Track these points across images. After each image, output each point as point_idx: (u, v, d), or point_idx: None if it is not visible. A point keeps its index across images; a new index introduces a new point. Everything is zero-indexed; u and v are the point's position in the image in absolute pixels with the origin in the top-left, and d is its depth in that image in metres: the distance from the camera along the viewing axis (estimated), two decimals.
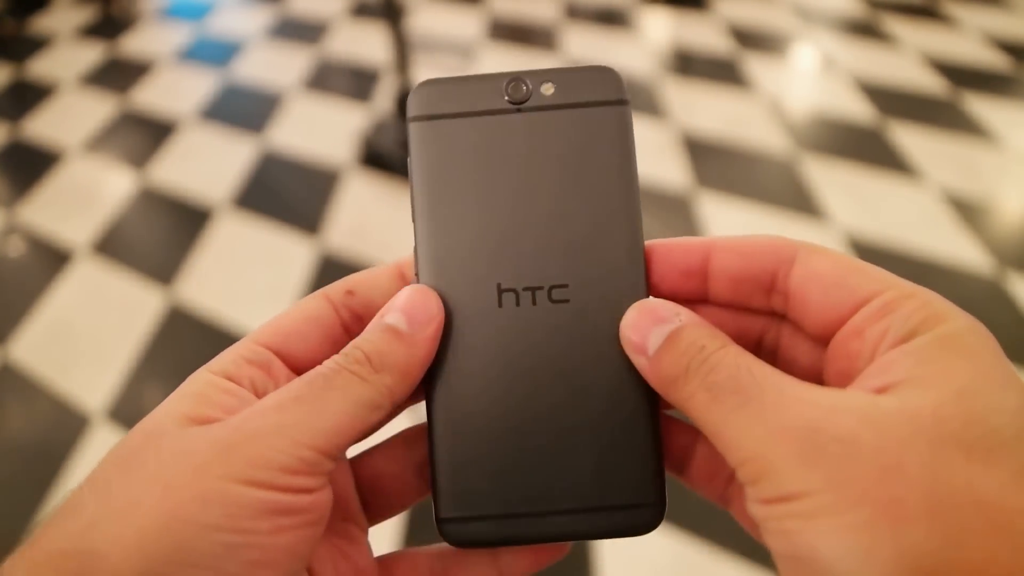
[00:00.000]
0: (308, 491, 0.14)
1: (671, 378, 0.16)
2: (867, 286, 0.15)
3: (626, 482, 0.18)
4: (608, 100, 0.19)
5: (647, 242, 0.19)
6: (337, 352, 0.17)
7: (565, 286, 0.18)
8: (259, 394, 0.16)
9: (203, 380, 0.16)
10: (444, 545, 0.19)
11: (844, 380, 0.15)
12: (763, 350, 0.19)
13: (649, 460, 0.18)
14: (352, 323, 0.19)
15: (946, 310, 0.14)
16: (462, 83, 0.19)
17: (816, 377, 0.17)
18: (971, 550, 0.11)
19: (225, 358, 0.17)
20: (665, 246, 0.18)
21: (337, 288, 0.19)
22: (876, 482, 0.12)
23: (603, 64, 0.19)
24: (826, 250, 0.16)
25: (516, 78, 0.19)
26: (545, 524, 0.18)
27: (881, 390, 0.13)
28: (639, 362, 0.17)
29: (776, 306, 0.17)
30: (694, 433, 0.19)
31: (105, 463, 0.14)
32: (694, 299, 0.18)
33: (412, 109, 0.19)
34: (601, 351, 0.18)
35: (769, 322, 0.18)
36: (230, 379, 0.16)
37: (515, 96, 0.19)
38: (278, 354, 0.18)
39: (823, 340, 0.16)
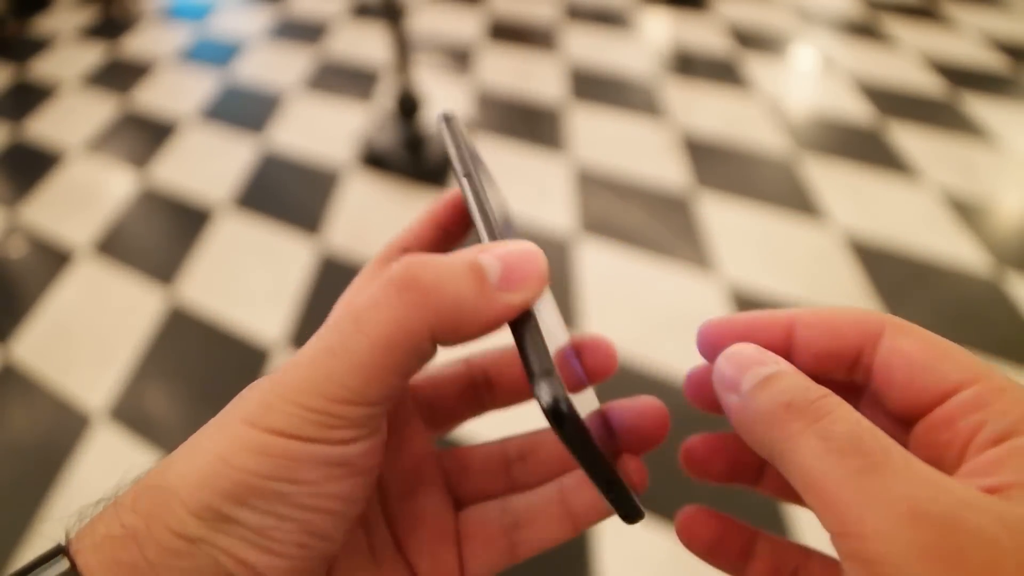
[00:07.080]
0: (350, 441, 0.14)
1: (767, 414, 0.14)
2: (957, 373, 0.14)
3: None
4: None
5: (734, 317, 0.18)
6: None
7: None
8: None
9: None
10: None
11: None
12: None
13: None
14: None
15: None
16: None
17: None
18: None
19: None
20: (747, 323, 0.18)
21: (393, 247, 0.20)
22: None
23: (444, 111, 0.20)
24: (914, 329, 0.16)
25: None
26: None
27: (991, 490, 0.12)
28: (729, 400, 0.15)
29: (857, 379, 0.17)
30: (751, 533, 0.19)
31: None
32: None
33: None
34: None
35: (848, 392, 0.17)
36: None
37: None
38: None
39: (905, 421, 0.16)
